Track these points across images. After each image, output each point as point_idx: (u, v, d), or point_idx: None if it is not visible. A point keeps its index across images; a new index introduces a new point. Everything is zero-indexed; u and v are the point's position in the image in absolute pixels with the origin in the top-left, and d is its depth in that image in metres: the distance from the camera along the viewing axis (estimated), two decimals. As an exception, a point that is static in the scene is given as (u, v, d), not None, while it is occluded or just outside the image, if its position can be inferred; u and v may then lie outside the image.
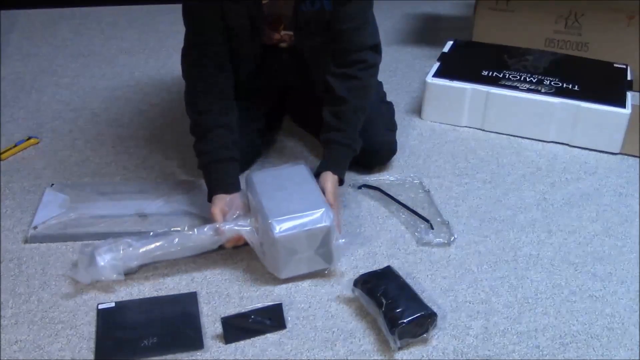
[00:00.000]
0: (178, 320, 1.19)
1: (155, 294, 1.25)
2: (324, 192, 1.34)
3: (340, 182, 1.43)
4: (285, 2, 1.43)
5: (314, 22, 1.44)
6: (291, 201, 1.27)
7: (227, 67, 1.46)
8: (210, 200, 1.37)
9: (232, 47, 1.46)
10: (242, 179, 1.58)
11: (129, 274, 1.28)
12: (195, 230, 1.28)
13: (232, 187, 1.39)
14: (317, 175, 1.41)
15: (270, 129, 1.75)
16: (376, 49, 1.49)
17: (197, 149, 1.43)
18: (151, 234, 1.29)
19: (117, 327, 1.17)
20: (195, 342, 1.14)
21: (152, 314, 1.20)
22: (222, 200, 1.35)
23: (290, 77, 1.67)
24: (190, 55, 1.45)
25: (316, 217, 1.23)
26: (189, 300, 1.23)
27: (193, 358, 1.12)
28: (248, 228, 1.29)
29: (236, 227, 1.29)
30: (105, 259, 1.23)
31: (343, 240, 1.27)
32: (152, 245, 1.26)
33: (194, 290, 1.26)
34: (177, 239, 1.27)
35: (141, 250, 1.26)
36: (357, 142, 1.47)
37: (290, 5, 1.43)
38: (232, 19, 1.41)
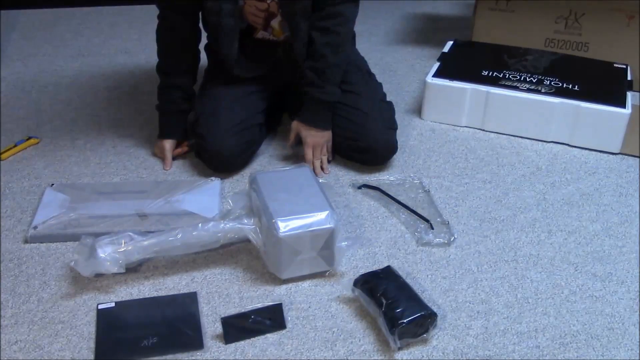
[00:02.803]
0: (178, 320, 1.19)
1: (155, 294, 1.25)
2: (304, 144, 1.59)
3: (326, 130, 1.61)
4: None
5: None
6: (296, 202, 1.27)
7: (192, 35, 1.62)
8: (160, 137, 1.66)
9: (214, 22, 1.55)
10: (245, 178, 1.58)
11: (130, 270, 1.28)
12: (199, 225, 1.28)
13: (174, 135, 1.67)
14: (296, 123, 1.61)
15: (269, 126, 1.75)
16: (355, 0, 1.55)
17: (162, 101, 1.66)
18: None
19: (117, 327, 1.17)
20: (195, 342, 1.14)
21: (152, 314, 1.20)
22: (169, 142, 1.65)
23: (286, 74, 1.68)
24: (163, 20, 1.59)
25: (321, 218, 1.24)
26: (189, 300, 1.23)
27: (193, 358, 1.12)
28: (251, 227, 1.29)
29: (239, 226, 1.29)
30: (106, 251, 1.23)
31: (345, 243, 1.27)
32: (154, 240, 1.26)
33: (194, 290, 1.26)
34: (178, 234, 1.27)
35: (142, 243, 1.25)
36: (335, 95, 1.58)
37: None
38: None
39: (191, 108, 1.67)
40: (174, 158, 1.66)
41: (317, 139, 1.60)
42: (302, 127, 1.60)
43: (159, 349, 1.13)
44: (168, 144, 1.65)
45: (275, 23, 1.58)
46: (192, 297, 1.24)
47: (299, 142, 1.63)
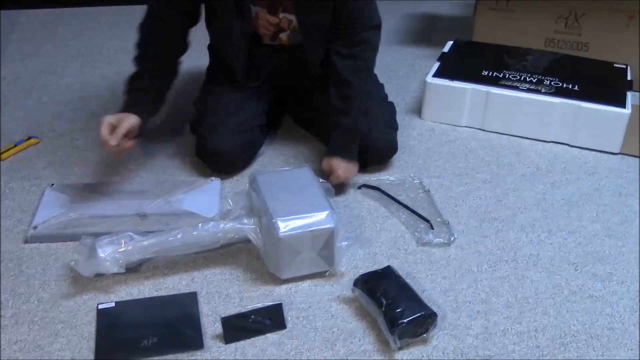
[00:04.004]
0: (178, 320, 1.19)
1: (155, 294, 1.25)
2: (333, 174, 1.48)
3: (354, 162, 1.52)
4: None
5: None
6: (296, 202, 1.27)
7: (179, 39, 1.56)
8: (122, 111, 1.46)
9: (220, 28, 1.51)
10: (245, 178, 1.58)
11: (130, 270, 1.28)
12: (199, 225, 1.28)
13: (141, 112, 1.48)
14: (326, 156, 1.51)
15: (270, 128, 1.75)
16: (379, 27, 1.53)
17: (129, 82, 1.53)
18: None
19: (117, 327, 1.17)
20: (195, 342, 1.14)
21: (152, 314, 1.20)
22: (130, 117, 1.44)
23: (290, 76, 1.68)
24: (151, 12, 1.53)
25: (321, 218, 1.24)
26: (189, 300, 1.23)
27: (193, 358, 1.12)
28: (251, 227, 1.29)
29: (239, 226, 1.29)
30: (107, 251, 1.23)
31: (345, 243, 1.27)
32: (154, 240, 1.26)
33: (194, 290, 1.26)
34: (179, 234, 1.27)
35: (142, 243, 1.26)
36: (361, 124, 1.53)
37: None
38: None
39: (156, 110, 1.57)
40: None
41: (349, 172, 1.52)
42: (333, 159, 1.50)
43: (158, 349, 1.13)
44: (128, 118, 1.44)
45: (284, 36, 1.58)
46: (192, 297, 1.24)
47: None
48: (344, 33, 1.50)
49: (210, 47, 1.72)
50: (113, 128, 1.40)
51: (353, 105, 1.51)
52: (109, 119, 1.41)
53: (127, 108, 1.47)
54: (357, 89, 1.50)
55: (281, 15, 1.53)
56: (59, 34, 2.45)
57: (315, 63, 1.58)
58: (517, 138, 1.81)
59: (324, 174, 1.51)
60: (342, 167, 1.50)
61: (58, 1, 2.68)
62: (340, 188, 1.53)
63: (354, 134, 1.52)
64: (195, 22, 1.56)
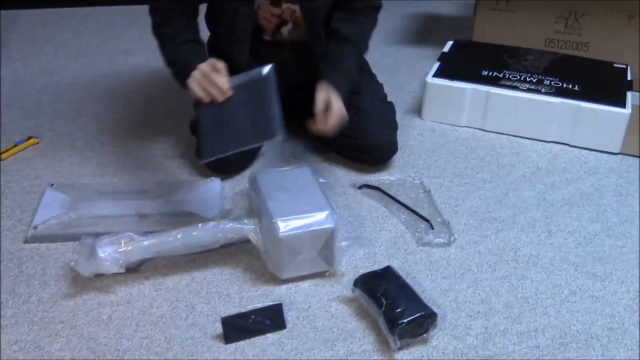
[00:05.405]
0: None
1: (155, 294, 1.25)
2: (330, 111, 1.40)
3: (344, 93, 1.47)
4: None
5: None
6: (296, 202, 1.27)
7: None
8: (187, 78, 1.34)
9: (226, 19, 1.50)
10: (245, 178, 1.58)
11: (130, 270, 1.28)
12: (199, 225, 1.28)
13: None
14: (323, 88, 1.45)
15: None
16: (379, 8, 1.56)
17: (170, 66, 1.45)
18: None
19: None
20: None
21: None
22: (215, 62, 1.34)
23: (291, 75, 1.67)
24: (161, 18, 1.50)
25: (321, 218, 1.24)
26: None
27: (193, 358, 1.12)
28: (251, 227, 1.29)
29: (239, 226, 1.29)
30: (106, 251, 1.23)
31: (345, 243, 1.27)
32: (154, 240, 1.26)
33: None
34: (179, 235, 1.27)
35: (142, 244, 1.25)
36: (354, 78, 1.54)
37: None
38: None
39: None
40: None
41: (342, 113, 1.43)
42: (332, 94, 1.43)
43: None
44: (218, 64, 1.34)
45: (285, 30, 1.58)
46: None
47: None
48: (346, 5, 1.53)
49: (211, 46, 1.72)
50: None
51: (346, 59, 1.52)
52: (206, 70, 1.33)
53: (190, 68, 1.36)
54: (353, 46, 1.53)
55: (284, 5, 1.53)
56: (59, 34, 2.46)
57: (318, 50, 1.58)
58: (517, 138, 1.81)
59: (316, 106, 1.42)
60: (338, 106, 1.41)
61: (58, 1, 2.68)
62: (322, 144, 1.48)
63: (347, 79, 1.51)
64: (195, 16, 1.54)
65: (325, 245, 1.25)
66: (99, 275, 1.27)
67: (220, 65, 1.33)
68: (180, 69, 1.39)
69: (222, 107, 1.31)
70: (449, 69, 1.90)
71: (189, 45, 1.45)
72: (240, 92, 1.31)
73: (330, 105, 1.42)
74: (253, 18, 1.54)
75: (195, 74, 1.33)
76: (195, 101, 1.68)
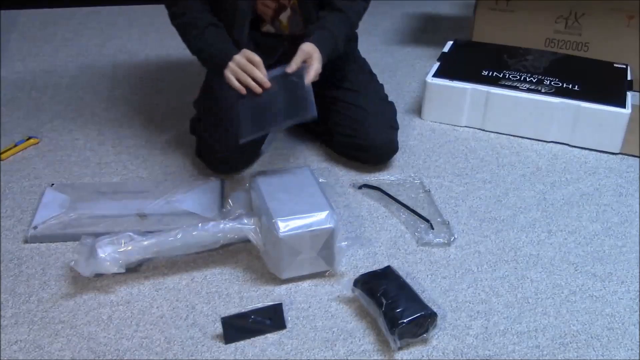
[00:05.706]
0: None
1: (155, 294, 1.25)
2: (310, 62, 1.40)
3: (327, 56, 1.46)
4: None
5: None
6: (296, 202, 1.27)
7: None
8: (224, 67, 1.39)
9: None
10: (245, 178, 1.59)
11: (130, 270, 1.28)
12: (199, 225, 1.28)
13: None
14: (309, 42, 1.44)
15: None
16: None
17: (197, 54, 1.49)
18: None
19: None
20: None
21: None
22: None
23: None
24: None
25: (321, 218, 1.24)
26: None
27: (193, 358, 1.12)
28: (251, 227, 1.29)
29: (239, 226, 1.29)
30: (106, 251, 1.23)
31: (345, 243, 1.27)
32: (154, 240, 1.26)
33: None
34: (179, 234, 1.27)
35: (142, 243, 1.26)
36: (341, 44, 1.50)
37: None
38: None
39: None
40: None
41: (319, 71, 1.42)
42: (316, 50, 1.42)
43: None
44: (255, 57, 1.38)
45: (284, 17, 1.58)
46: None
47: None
48: None
49: None
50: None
51: (337, 23, 1.49)
52: (242, 62, 1.38)
53: (227, 58, 1.40)
54: (346, 14, 1.50)
55: None
56: (59, 34, 2.46)
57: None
58: (517, 138, 1.81)
59: (299, 55, 1.41)
60: (316, 66, 1.40)
61: (58, 1, 2.69)
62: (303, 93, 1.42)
63: (332, 41, 1.47)
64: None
65: (325, 245, 1.25)
66: (99, 275, 1.27)
67: (257, 59, 1.38)
68: (211, 58, 1.46)
69: (257, 94, 1.40)
70: (449, 69, 1.90)
71: (212, 31, 1.47)
72: (274, 81, 1.39)
73: (309, 61, 1.41)
74: (252, 1, 1.53)
75: (232, 65, 1.39)
76: (195, 100, 1.69)
